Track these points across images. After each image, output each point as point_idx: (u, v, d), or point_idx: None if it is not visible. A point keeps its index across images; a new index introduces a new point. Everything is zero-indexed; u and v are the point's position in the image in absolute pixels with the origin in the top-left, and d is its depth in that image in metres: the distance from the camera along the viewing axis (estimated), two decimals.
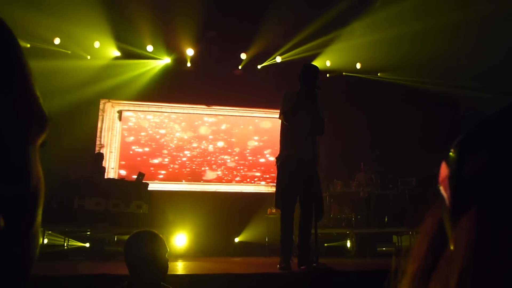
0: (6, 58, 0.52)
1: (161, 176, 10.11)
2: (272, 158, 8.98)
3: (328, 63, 10.55)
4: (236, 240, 9.03)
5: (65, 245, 7.29)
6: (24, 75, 0.54)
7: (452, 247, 0.37)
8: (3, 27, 0.53)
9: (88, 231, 7.20)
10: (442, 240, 0.39)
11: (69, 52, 9.51)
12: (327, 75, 10.64)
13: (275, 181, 4.38)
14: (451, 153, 0.39)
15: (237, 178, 10.55)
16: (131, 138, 10.21)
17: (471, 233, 0.35)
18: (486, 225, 0.35)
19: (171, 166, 10.28)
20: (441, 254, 0.39)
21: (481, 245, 0.34)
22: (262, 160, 10.70)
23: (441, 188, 0.39)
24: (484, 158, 0.36)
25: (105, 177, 8.39)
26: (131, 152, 10.11)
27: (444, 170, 0.39)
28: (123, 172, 9.80)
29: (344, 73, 10.87)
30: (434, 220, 0.42)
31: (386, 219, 7.84)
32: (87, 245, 7.57)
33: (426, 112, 9.99)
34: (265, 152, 10.72)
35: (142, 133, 10.30)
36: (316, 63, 10.30)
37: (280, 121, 4.44)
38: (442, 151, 0.44)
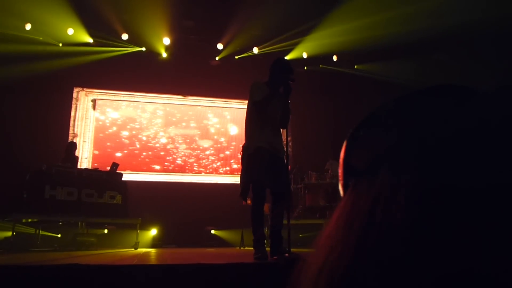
0: None
1: (140, 166, 10.01)
2: None
3: (304, 55, 10.57)
4: (212, 232, 9.03)
5: (36, 235, 7.18)
6: None
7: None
8: None
9: (60, 222, 7.09)
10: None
11: (41, 38, 9.26)
12: (305, 68, 10.67)
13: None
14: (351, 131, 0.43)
15: (210, 168, 10.54)
16: (105, 128, 10.06)
17: (340, 207, 0.38)
18: (352, 200, 0.37)
19: (145, 155, 10.18)
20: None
21: (345, 220, 0.36)
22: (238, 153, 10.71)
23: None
24: (367, 143, 0.40)
25: (78, 167, 8.26)
26: (104, 141, 9.97)
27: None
28: (96, 162, 9.67)
29: (320, 66, 10.92)
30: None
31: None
32: (59, 235, 7.47)
33: None
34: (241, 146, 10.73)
35: (116, 123, 10.16)
36: (293, 54, 10.34)
37: (246, 110, 4.42)
38: None
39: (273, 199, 4.14)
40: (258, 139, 4.13)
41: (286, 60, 4.65)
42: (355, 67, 11.15)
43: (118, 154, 9.90)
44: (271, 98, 4.11)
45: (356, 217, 0.35)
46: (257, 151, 4.06)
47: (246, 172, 4.16)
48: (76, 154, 8.37)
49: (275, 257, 3.91)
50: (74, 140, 9.21)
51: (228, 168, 10.63)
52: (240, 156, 4.34)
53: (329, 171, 8.46)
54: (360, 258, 0.32)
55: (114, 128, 10.11)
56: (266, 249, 3.99)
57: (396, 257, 0.30)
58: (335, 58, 10.96)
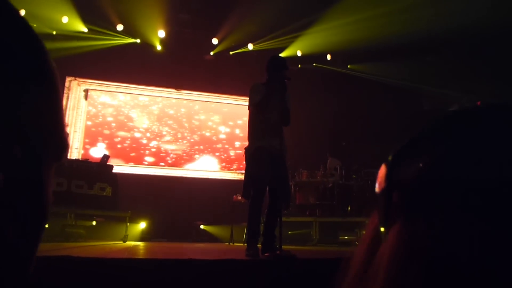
0: (47, 86, 0.50)
1: (131, 159, 9.95)
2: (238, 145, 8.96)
3: (299, 53, 10.58)
4: (201, 227, 9.01)
5: None
6: (56, 97, 0.52)
7: (378, 257, 0.37)
8: (42, 49, 0.51)
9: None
10: (376, 248, 0.39)
11: (35, 25, 9.10)
12: (299, 66, 10.68)
13: (244, 171, 4.40)
14: (389, 157, 0.39)
15: (202, 164, 10.52)
16: (97, 119, 9.98)
17: (393, 246, 0.35)
18: (405, 239, 0.35)
19: (136, 148, 10.13)
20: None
21: (400, 261, 0.34)
22: (231, 151, 10.70)
23: (378, 192, 0.40)
24: (417, 171, 0.36)
25: (68, 157, 8.19)
26: (95, 132, 9.89)
27: (381, 173, 0.39)
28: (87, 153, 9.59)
29: (314, 64, 10.93)
30: (372, 225, 0.42)
31: (349, 209, 8.03)
32: (47, 226, 7.40)
33: (392, 106, 10.20)
34: (235, 143, 10.71)
35: (108, 114, 10.09)
36: (287, 52, 10.33)
37: (248, 113, 4.43)
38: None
39: (270, 196, 4.17)
40: (258, 139, 4.19)
41: (281, 57, 4.66)
42: (349, 66, 11.18)
43: (109, 146, 9.83)
44: (269, 97, 4.13)
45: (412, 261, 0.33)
46: (257, 151, 4.13)
47: (247, 171, 4.27)
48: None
49: (266, 254, 3.92)
50: (66, 130, 9.11)
51: (217, 161, 10.61)
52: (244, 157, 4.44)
53: (328, 169, 8.51)
54: None
55: (106, 119, 10.03)
56: (258, 245, 4.00)
57: None
58: (329, 57, 10.97)
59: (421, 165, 0.36)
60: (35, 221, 0.49)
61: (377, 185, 0.40)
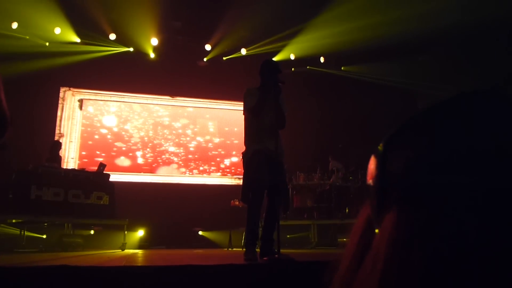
0: None
1: (127, 167, 9.94)
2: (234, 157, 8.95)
3: (292, 57, 10.61)
4: (200, 233, 9.00)
5: (21, 235, 7.09)
6: None
7: (374, 246, 0.38)
8: None
9: (45, 222, 7.01)
10: (369, 238, 0.40)
11: (27, 37, 9.14)
12: (292, 69, 10.71)
13: (242, 176, 4.40)
14: (379, 147, 0.40)
15: (198, 170, 10.51)
16: (92, 128, 9.96)
17: (391, 234, 0.36)
18: (404, 226, 0.35)
19: (132, 156, 10.11)
20: (367, 252, 0.39)
21: (400, 246, 0.35)
22: (226, 155, 10.70)
23: (369, 183, 0.40)
24: (407, 160, 0.37)
25: (63, 166, 8.17)
26: (91, 142, 9.88)
27: (372, 164, 0.40)
28: (83, 162, 9.57)
29: (308, 67, 10.97)
30: (363, 216, 0.43)
31: (347, 211, 8.03)
32: (44, 236, 7.38)
33: (387, 106, 10.24)
34: (233, 149, 10.71)
35: (103, 122, 10.08)
36: (281, 56, 10.37)
37: (243, 118, 4.44)
38: None
39: (269, 200, 4.17)
40: (255, 143, 4.20)
41: (274, 61, 4.67)
42: (342, 68, 11.22)
43: (105, 155, 9.82)
44: (263, 101, 4.14)
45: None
46: (254, 155, 4.13)
47: (245, 175, 4.25)
48: (61, 153, 8.28)
49: (265, 258, 3.92)
50: (60, 140, 9.11)
51: (214, 167, 10.60)
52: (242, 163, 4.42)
53: (330, 171, 8.54)
54: None
55: (101, 129, 10.02)
56: (256, 250, 4.00)
57: None
58: (322, 59, 11.01)
59: (409, 155, 0.37)
60: None
61: (368, 176, 0.40)
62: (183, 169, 10.40)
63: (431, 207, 0.34)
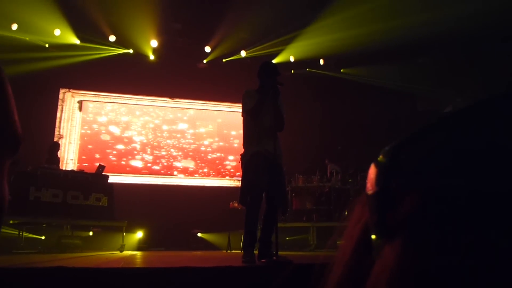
0: None
1: (127, 169, 9.93)
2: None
3: (292, 59, 10.62)
4: (198, 235, 8.99)
5: (20, 236, 7.08)
6: (4, 97, 0.53)
7: (373, 275, 0.34)
8: None
9: (44, 224, 7.00)
10: (366, 248, 0.36)
11: (27, 39, 9.15)
12: (292, 71, 10.71)
13: (241, 178, 4.39)
14: (380, 159, 0.35)
15: (197, 172, 10.51)
16: (92, 129, 9.96)
17: (393, 271, 0.31)
18: (408, 265, 0.31)
19: (131, 157, 10.11)
20: (364, 263, 0.35)
21: (404, 278, 0.30)
22: (226, 158, 10.69)
23: (369, 193, 0.36)
24: (411, 182, 0.32)
25: (62, 168, 8.17)
26: (91, 146, 9.88)
27: (372, 173, 0.36)
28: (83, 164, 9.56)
29: (307, 69, 10.97)
30: (358, 224, 0.39)
31: (346, 213, 8.01)
32: (43, 237, 7.37)
33: (386, 108, 10.25)
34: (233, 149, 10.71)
35: (103, 124, 10.08)
36: (280, 58, 10.38)
37: (242, 119, 4.44)
38: None
39: (267, 202, 4.16)
40: (253, 145, 4.19)
41: (273, 63, 4.67)
42: (342, 70, 11.23)
43: (104, 156, 9.81)
44: (262, 103, 4.14)
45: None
46: (253, 157, 4.12)
47: (244, 177, 4.24)
48: (60, 155, 8.28)
49: (263, 260, 3.91)
50: (60, 142, 9.11)
51: (213, 169, 10.60)
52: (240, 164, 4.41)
53: (328, 174, 8.54)
54: None
55: (101, 130, 10.02)
56: (254, 252, 3.99)
57: None
58: (322, 61, 11.02)
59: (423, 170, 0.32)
60: None
61: (368, 184, 0.36)
62: (181, 171, 10.39)
63: (450, 241, 0.29)
